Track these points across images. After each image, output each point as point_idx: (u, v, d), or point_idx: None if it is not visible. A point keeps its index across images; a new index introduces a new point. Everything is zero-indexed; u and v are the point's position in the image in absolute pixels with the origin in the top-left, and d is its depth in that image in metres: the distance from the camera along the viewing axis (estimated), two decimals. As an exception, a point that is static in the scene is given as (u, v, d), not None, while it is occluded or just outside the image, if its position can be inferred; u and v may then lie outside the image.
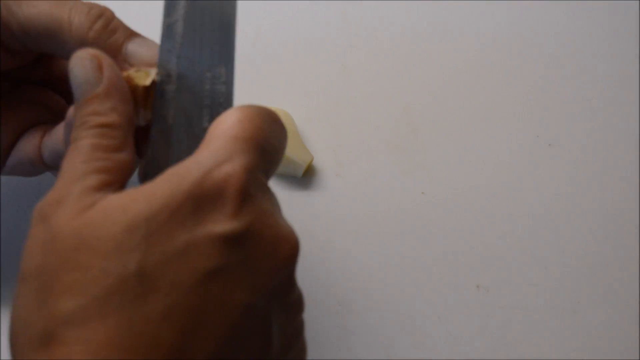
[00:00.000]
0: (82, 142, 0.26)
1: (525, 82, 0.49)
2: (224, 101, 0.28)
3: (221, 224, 0.23)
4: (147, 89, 0.28)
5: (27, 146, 0.35)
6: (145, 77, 0.28)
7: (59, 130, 0.33)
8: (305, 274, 0.41)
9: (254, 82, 0.47)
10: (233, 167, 0.24)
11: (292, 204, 0.43)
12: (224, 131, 0.25)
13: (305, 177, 0.44)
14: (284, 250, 0.25)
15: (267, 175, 0.27)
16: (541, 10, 0.52)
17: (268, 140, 0.26)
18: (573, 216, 0.44)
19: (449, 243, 0.43)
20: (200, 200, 0.23)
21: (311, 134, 0.46)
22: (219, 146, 0.25)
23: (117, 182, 0.25)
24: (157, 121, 0.28)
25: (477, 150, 0.46)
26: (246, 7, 0.50)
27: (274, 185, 0.44)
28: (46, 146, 0.34)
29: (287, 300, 0.26)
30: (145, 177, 0.27)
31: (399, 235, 0.43)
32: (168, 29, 0.28)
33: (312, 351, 0.39)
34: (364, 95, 0.47)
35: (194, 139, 0.27)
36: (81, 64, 0.27)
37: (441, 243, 0.43)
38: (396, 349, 0.40)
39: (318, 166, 0.45)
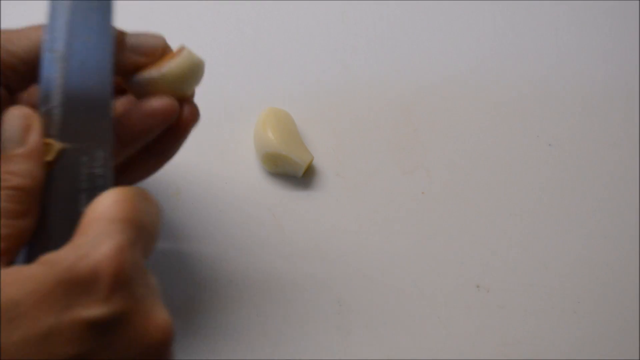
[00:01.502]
0: None
1: (525, 82, 0.49)
2: (103, 185, 0.28)
3: (89, 310, 0.23)
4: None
5: None
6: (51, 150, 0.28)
7: None
8: (306, 274, 0.41)
9: (254, 82, 0.47)
10: (107, 252, 0.24)
11: (292, 204, 0.43)
12: (100, 214, 0.25)
13: (305, 177, 0.44)
14: (154, 337, 0.25)
15: (146, 254, 0.27)
16: (541, 10, 0.52)
17: (144, 219, 0.26)
18: (573, 216, 0.44)
19: (449, 243, 0.43)
20: (72, 285, 0.23)
21: (311, 134, 0.46)
22: (94, 230, 0.25)
23: (11, 250, 0.26)
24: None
25: (477, 150, 0.46)
26: (246, 7, 0.50)
27: (274, 185, 0.44)
28: None
29: None
30: (28, 259, 0.27)
31: (399, 235, 0.43)
32: (46, 115, 0.28)
33: (312, 351, 0.39)
34: (364, 95, 0.47)
35: (71, 223, 0.27)
36: (12, 121, 0.27)
37: (441, 243, 0.43)
38: (396, 349, 0.40)
39: (318, 166, 0.45)
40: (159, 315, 0.25)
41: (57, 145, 0.28)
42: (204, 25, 0.49)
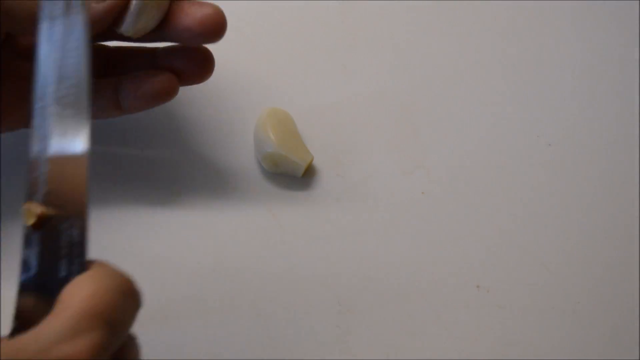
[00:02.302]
0: None
1: (525, 82, 0.49)
2: (80, 252, 0.28)
3: None
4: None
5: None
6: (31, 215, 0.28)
7: None
8: (306, 274, 0.41)
9: (254, 82, 0.47)
10: (76, 349, 0.24)
11: (292, 204, 0.43)
12: (74, 304, 0.25)
13: (305, 177, 0.44)
14: None
15: (116, 346, 0.26)
16: (541, 10, 0.52)
17: (118, 317, 0.26)
18: (573, 216, 0.44)
19: (449, 243, 0.43)
20: None
21: (311, 134, 0.46)
22: (65, 320, 0.24)
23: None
24: (23, 269, 0.28)
25: (477, 150, 0.46)
26: (246, 7, 0.50)
27: (274, 185, 0.44)
28: None
29: None
30: (13, 331, 0.27)
31: (398, 235, 0.43)
32: (31, 182, 0.28)
33: (312, 351, 0.39)
34: (364, 95, 0.47)
35: (51, 292, 0.27)
36: None
37: (441, 243, 0.43)
38: (396, 349, 0.40)
39: (318, 166, 0.45)
40: None
41: (39, 209, 0.28)
42: (204, 25, 0.49)
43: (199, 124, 0.46)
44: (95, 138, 0.44)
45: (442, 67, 0.49)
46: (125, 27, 0.35)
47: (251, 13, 0.50)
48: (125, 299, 0.26)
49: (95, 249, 0.42)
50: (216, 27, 0.35)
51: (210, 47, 0.52)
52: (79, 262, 0.27)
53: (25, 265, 0.27)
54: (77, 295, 0.25)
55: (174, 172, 0.44)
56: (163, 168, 0.44)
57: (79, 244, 0.28)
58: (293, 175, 0.44)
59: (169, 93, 0.38)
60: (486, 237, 0.43)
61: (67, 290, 0.26)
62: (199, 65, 0.38)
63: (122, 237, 0.41)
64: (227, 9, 0.50)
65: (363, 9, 0.51)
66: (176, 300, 0.40)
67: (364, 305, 0.41)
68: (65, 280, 0.27)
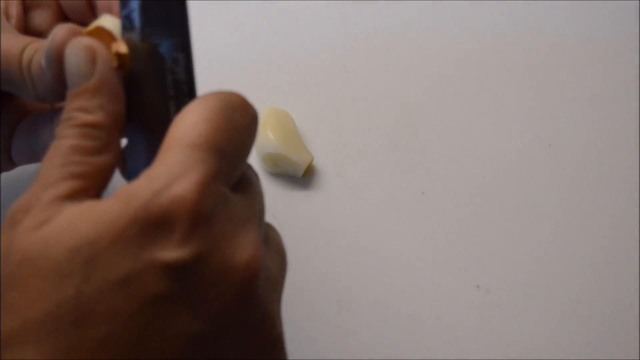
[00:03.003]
0: (63, 142, 0.24)
1: (525, 82, 0.49)
2: (187, 92, 0.27)
3: (167, 252, 0.22)
4: (121, 56, 0.27)
5: (25, 133, 0.33)
6: (114, 39, 0.27)
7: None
8: (306, 274, 0.41)
9: (254, 82, 0.47)
10: (185, 187, 0.22)
11: (292, 204, 0.43)
12: (179, 138, 0.24)
13: (305, 177, 0.44)
14: (234, 277, 0.23)
15: (231, 178, 0.25)
16: (541, 10, 0.52)
17: (230, 142, 0.24)
18: (573, 216, 0.44)
19: (449, 243, 0.43)
20: (147, 224, 0.22)
21: (311, 134, 0.46)
22: (172, 159, 0.23)
23: (93, 187, 0.24)
24: (131, 114, 0.26)
25: (477, 150, 0.46)
26: (246, 7, 0.50)
27: (274, 185, 0.44)
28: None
29: (242, 326, 0.24)
30: (127, 174, 0.26)
31: (399, 235, 0.43)
32: (126, 19, 0.27)
33: (312, 351, 0.39)
34: (364, 95, 0.47)
35: (163, 135, 0.25)
36: (75, 54, 0.26)
37: (441, 243, 0.43)
38: (396, 349, 0.40)
39: (318, 166, 0.45)
40: (241, 252, 0.23)
41: (120, 47, 0.26)
42: (204, 25, 0.49)
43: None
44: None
45: (442, 67, 0.49)
46: None
47: (251, 13, 0.50)
48: (234, 118, 0.25)
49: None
50: None
51: (209, 46, 0.52)
52: (188, 101, 0.26)
53: (134, 112, 0.26)
54: (180, 128, 0.24)
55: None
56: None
57: (187, 82, 0.27)
58: (293, 175, 0.44)
59: None
60: (486, 237, 0.43)
61: (172, 126, 0.24)
62: None
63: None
64: (227, 9, 0.50)
65: (363, 9, 0.51)
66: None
67: (364, 305, 0.41)
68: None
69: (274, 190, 0.44)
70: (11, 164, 0.34)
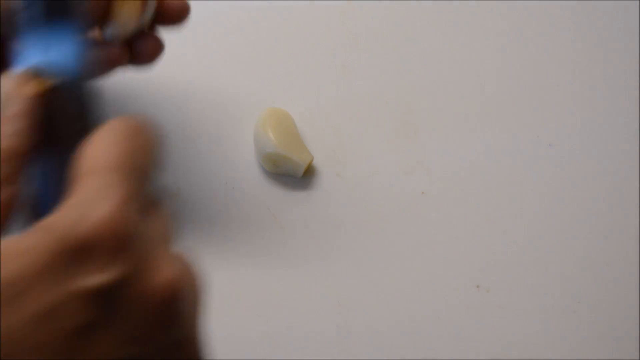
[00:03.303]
0: None
1: (525, 82, 0.49)
2: (93, 118, 0.28)
3: (90, 278, 0.22)
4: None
5: None
6: None
7: None
8: (306, 274, 0.41)
9: (254, 82, 0.47)
10: (103, 211, 0.23)
11: (292, 204, 0.43)
12: (91, 165, 0.24)
13: (305, 177, 0.44)
14: (158, 296, 0.23)
15: (144, 195, 0.25)
16: (541, 10, 0.52)
17: (139, 161, 0.25)
18: (573, 216, 0.44)
19: (449, 243, 0.43)
20: (68, 254, 0.22)
21: (311, 134, 0.46)
22: (87, 186, 0.23)
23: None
24: (43, 148, 0.27)
25: (477, 150, 0.46)
26: (246, 7, 0.50)
27: (274, 185, 0.44)
28: None
29: (165, 340, 0.24)
30: (40, 210, 0.27)
31: (399, 235, 0.43)
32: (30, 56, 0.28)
33: (312, 351, 0.39)
34: (364, 95, 0.48)
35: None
36: (6, 81, 0.27)
37: (441, 243, 0.43)
38: (396, 349, 0.40)
39: (318, 166, 0.45)
40: (161, 273, 0.24)
41: (45, 82, 0.27)
42: (204, 25, 0.49)
43: (199, 124, 0.46)
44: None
45: (442, 67, 0.49)
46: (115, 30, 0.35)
47: (251, 13, 0.50)
48: (142, 137, 0.26)
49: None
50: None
51: (210, 46, 0.52)
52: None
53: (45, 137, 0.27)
54: (89, 156, 0.24)
55: (174, 172, 0.44)
56: (163, 168, 0.44)
57: (90, 111, 0.28)
58: (293, 175, 0.44)
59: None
60: (486, 237, 0.43)
61: (83, 152, 0.25)
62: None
63: (122, 237, 0.41)
64: (228, 9, 0.50)
65: (363, 9, 0.51)
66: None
67: (364, 305, 0.41)
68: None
69: (274, 190, 0.44)
70: None
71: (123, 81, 0.46)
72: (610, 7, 0.52)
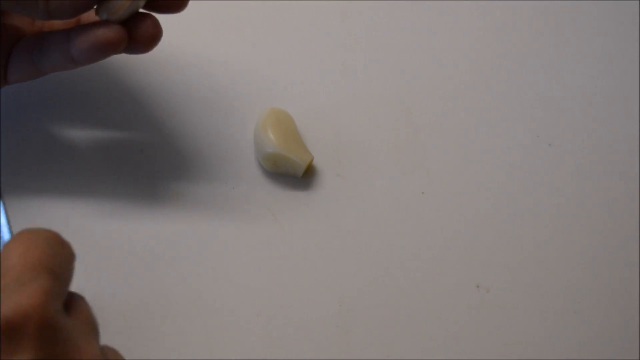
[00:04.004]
0: None
1: (525, 82, 0.49)
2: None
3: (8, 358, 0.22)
4: None
5: (25, 51, 0.36)
6: None
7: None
8: (306, 274, 0.41)
9: (254, 82, 0.47)
10: (29, 295, 0.23)
11: (292, 204, 0.43)
12: (13, 263, 0.25)
13: (305, 177, 0.44)
14: None
15: (64, 294, 0.26)
16: (541, 10, 0.52)
17: (59, 264, 0.26)
18: (573, 216, 0.44)
19: (449, 243, 0.43)
20: None
21: (311, 134, 0.46)
22: (13, 274, 0.24)
23: None
24: None
25: (477, 150, 0.46)
26: (246, 7, 0.50)
27: (274, 185, 0.44)
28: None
29: None
30: None
31: (398, 236, 0.43)
32: None
33: (312, 351, 0.39)
34: (364, 95, 0.47)
35: None
36: None
37: (441, 243, 0.43)
38: (396, 349, 0.40)
39: (318, 166, 0.45)
40: (86, 355, 0.25)
41: None
42: (204, 25, 0.49)
43: (199, 124, 0.46)
44: (96, 138, 0.44)
45: (442, 67, 0.49)
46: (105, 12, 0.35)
47: (251, 13, 0.50)
48: (57, 248, 0.26)
49: (95, 249, 0.42)
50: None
51: (210, 46, 0.52)
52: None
53: None
54: (12, 254, 0.25)
55: (174, 172, 0.44)
56: (163, 168, 0.44)
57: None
58: (293, 175, 0.44)
59: (118, 43, 0.36)
60: (486, 237, 0.43)
61: (3, 253, 0.26)
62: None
63: (122, 237, 0.41)
64: (227, 9, 0.50)
65: (363, 9, 0.51)
66: (176, 300, 0.40)
67: (364, 305, 0.41)
68: None
69: (274, 190, 0.44)
70: (4, 82, 0.37)
71: (123, 81, 0.46)
72: (610, 7, 0.52)
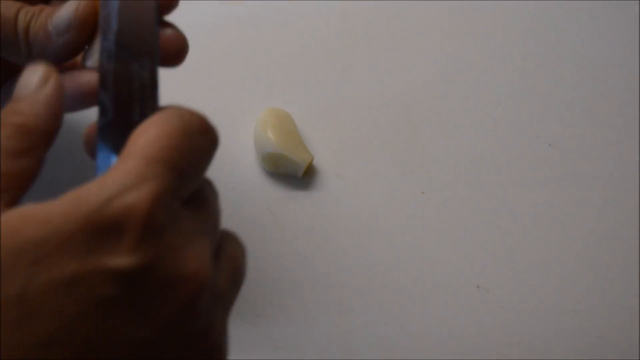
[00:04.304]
0: None
1: (525, 82, 0.49)
2: (151, 96, 0.27)
3: (114, 259, 0.22)
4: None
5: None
6: None
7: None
8: (306, 274, 0.41)
9: (254, 82, 0.47)
10: (139, 197, 0.23)
11: (292, 204, 0.43)
12: (138, 149, 0.24)
13: (305, 177, 0.44)
14: (184, 289, 0.24)
15: (187, 191, 0.25)
16: (541, 11, 0.52)
17: (189, 159, 0.25)
18: (573, 216, 0.44)
19: (449, 243, 0.43)
20: (95, 230, 0.22)
21: (311, 134, 0.46)
22: (129, 168, 0.24)
23: (10, 188, 0.25)
24: (100, 114, 0.27)
25: (477, 151, 0.46)
26: (246, 7, 0.50)
27: (274, 185, 0.44)
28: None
29: (186, 332, 0.25)
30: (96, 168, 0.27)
31: (399, 235, 0.43)
32: (104, 20, 0.28)
33: (312, 351, 0.39)
34: (364, 95, 0.48)
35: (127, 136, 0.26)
36: (30, 72, 0.27)
37: (441, 243, 0.43)
38: (396, 349, 0.40)
39: (318, 166, 0.45)
40: (188, 265, 0.24)
41: None
42: (204, 25, 0.49)
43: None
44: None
45: (442, 67, 0.49)
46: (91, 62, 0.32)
47: (251, 13, 0.50)
48: (195, 139, 0.25)
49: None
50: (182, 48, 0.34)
51: (210, 46, 0.52)
52: (151, 106, 0.27)
53: (102, 109, 0.27)
54: (141, 140, 0.24)
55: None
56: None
57: (151, 87, 0.27)
58: (293, 175, 0.44)
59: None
60: (486, 237, 0.43)
61: (133, 136, 0.25)
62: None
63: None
64: (227, 9, 0.50)
65: (363, 9, 0.51)
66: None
67: (364, 305, 0.41)
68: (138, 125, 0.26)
69: (274, 190, 0.44)
70: None
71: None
72: (610, 7, 0.52)
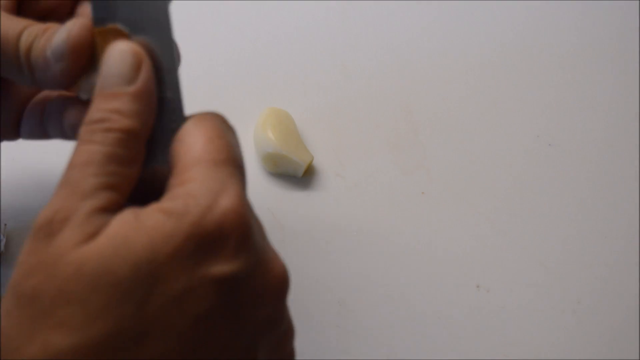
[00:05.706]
0: (96, 149, 0.23)
1: (525, 82, 0.49)
2: (178, 107, 0.26)
3: (220, 266, 0.22)
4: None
5: (38, 111, 0.32)
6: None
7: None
8: (306, 274, 0.41)
9: (254, 82, 0.47)
10: (230, 202, 0.23)
11: (292, 204, 0.43)
12: (198, 156, 0.24)
13: (305, 177, 0.44)
14: (274, 286, 0.24)
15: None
16: (541, 11, 0.52)
17: (239, 153, 0.25)
18: (573, 216, 0.44)
19: (449, 243, 0.43)
20: (202, 240, 0.22)
21: (311, 134, 0.46)
22: (203, 176, 0.23)
23: (122, 200, 0.24)
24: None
25: (477, 150, 0.46)
26: (246, 7, 0.50)
27: (274, 185, 0.44)
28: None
29: (276, 332, 0.25)
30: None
31: (399, 236, 0.43)
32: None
33: (312, 351, 0.39)
34: (364, 95, 0.47)
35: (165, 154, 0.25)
36: (120, 56, 0.25)
37: (441, 243, 0.43)
38: (396, 349, 0.40)
39: (318, 166, 0.45)
40: (276, 264, 0.24)
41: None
42: (204, 25, 0.49)
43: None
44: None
45: (442, 67, 0.49)
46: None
47: (251, 14, 0.50)
48: (231, 135, 0.25)
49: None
50: None
51: (210, 46, 0.52)
52: (180, 114, 0.26)
53: None
54: (196, 144, 0.24)
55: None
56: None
57: (176, 101, 0.26)
58: (293, 175, 0.44)
59: None
60: (486, 237, 0.43)
61: (179, 143, 0.24)
62: None
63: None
64: (227, 9, 0.50)
65: (363, 9, 0.51)
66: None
67: (364, 305, 0.41)
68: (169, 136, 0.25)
69: (274, 190, 0.44)
70: (16, 136, 0.34)
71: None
72: (610, 7, 0.52)
